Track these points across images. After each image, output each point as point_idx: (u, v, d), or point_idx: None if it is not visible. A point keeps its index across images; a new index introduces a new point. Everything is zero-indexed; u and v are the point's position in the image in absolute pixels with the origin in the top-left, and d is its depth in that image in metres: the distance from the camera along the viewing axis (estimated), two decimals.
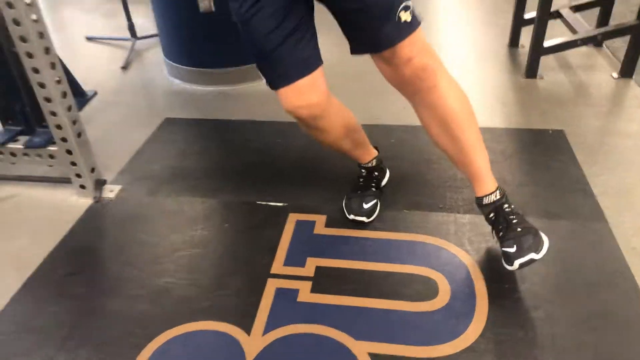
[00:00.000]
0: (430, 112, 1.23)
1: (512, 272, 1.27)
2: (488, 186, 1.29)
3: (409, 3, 1.10)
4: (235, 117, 2.10)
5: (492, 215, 1.29)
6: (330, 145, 1.40)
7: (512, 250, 1.20)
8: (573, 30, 2.27)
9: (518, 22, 2.49)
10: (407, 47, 1.12)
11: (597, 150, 1.76)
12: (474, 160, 1.27)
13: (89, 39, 2.94)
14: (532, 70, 2.24)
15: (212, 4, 2.14)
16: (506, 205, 1.28)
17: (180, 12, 2.25)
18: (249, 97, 2.25)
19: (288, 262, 1.38)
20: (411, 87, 1.20)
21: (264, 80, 1.22)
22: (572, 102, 2.07)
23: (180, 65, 2.39)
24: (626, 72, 2.19)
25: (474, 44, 2.66)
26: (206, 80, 2.34)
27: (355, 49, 1.18)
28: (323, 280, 1.31)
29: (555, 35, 2.26)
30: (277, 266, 1.37)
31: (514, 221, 1.24)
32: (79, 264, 1.42)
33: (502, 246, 1.23)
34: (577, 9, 2.42)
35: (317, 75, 1.17)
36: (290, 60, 1.14)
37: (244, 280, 1.33)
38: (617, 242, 1.37)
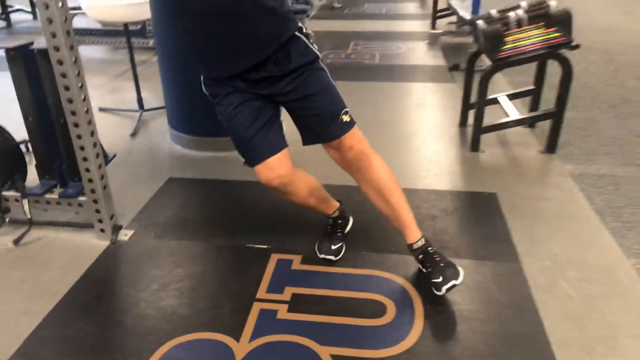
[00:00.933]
0: (368, 184, 1.68)
1: (442, 296, 1.65)
2: (415, 235, 1.70)
3: (347, 109, 1.59)
4: (228, 178, 2.51)
5: (420, 256, 1.69)
6: (299, 204, 1.81)
7: (439, 280, 1.60)
8: (506, 114, 2.79)
9: (466, 106, 3.02)
10: (348, 139, 1.59)
11: (521, 209, 2.20)
12: (401, 216, 1.69)
13: (102, 109, 3.38)
14: (475, 145, 2.72)
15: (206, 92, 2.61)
16: (430, 248, 1.69)
17: (185, 89, 2.72)
18: (239, 161, 2.67)
19: (270, 290, 1.74)
20: (353, 166, 1.65)
21: (244, 160, 1.66)
22: (505, 171, 2.54)
23: (182, 134, 2.84)
24: (550, 148, 2.69)
25: (433, 123, 3.17)
26: (204, 146, 2.78)
27: (308, 141, 1.65)
28: (297, 303, 1.67)
29: (497, 117, 2.77)
30: (261, 293, 1.72)
31: (437, 259, 1.65)
32: (100, 291, 1.76)
33: (431, 278, 1.63)
34: (512, 96, 2.96)
35: (283, 155, 1.61)
36: (263, 145, 1.59)
37: (234, 303, 1.68)
38: (526, 279, 1.77)
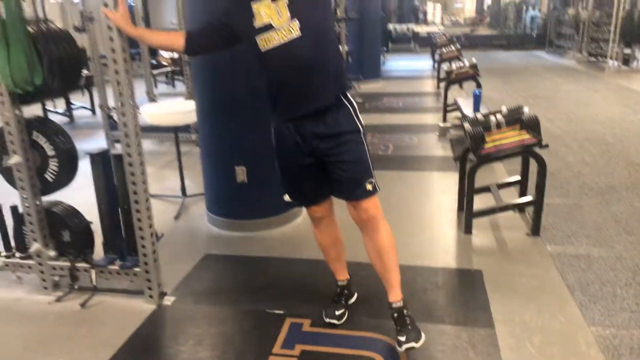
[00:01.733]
0: (371, 242, 2.10)
1: (424, 354, 2.01)
2: (396, 296, 2.09)
3: (373, 180, 2.03)
4: (254, 255, 2.97)
5: (395, 314, 2.07)
6: (323, 245, 2.27)
7: (402, 339, 1.99)
8: (498, 201, 3.22)
9: (462, 194, 3.46)
10: (366, 203, 2.03)
11: (501, 284, 2.56)
12: (390, 277, 2.10)
13: (151, 196, 3.95)
14: (468, 228, 3.13)
15: (245, 177, 3.17)
16: (405, 310, 2.07)
17: (221, 180, 3.27)
18: (266, 240, 3.15)
19: (283, 347, 2.13)
20: (364, 225, 2.08)
21: (286, 199, 2.19)
22: (492, 251, 2.92)
23: (218, 217, 3.35)
24: (534, 231, 3.07)
25: (435, 208, 3.60)
26: (236, 228, 3.28)
27: (336, 195, 2.12)
28: (306, 356, 2.06)
29: (491, 202, 3.20)
30: (276, 349, 2.12)
31: (407, 321, 2.04)
32: (148, 345, 2.19)
33: (397, 335, 2.01)
34: (500, 186, 3.40)
35: (328, 202, 2.16)
36: (309, 197, 2.16)
37: (254, 356, 2.08)
38: (498, 342, 2.11)
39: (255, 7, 1.89)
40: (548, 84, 9.21)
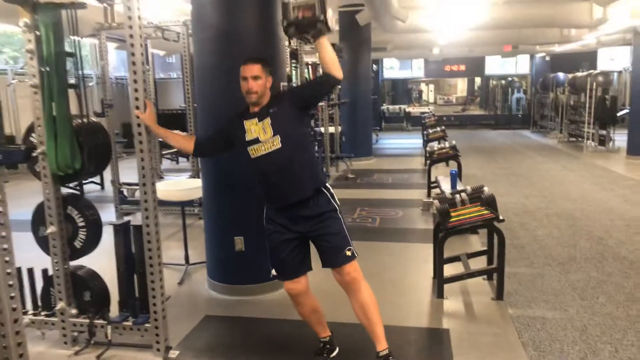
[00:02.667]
0: (356, 301, 2.51)
1: None
2: (382, 345, 2.48)
3: (351, 247, 2.49)
4: (250, 316, 3.34)
5: None
6: (303, 315, 2.64)
7: None
8: (466, 268, 3.63)
9: (437, 262, 3.87)
10: (347, 268, 2.48)
11: (465, 340, 2.93)
12: (375, 330, 2.49)
13: None
14: (440, 293, 3.53)
15: (242, 246, 3.60)
16: (391, 357, 2.45)
17: (222, 249, 3.70)
18: (260, 303, 3.53)
19: None
20: (348, 287, 2.51)
21: (272, 273, 2.59)
22: (461, 313, 3.30)
23: (217, 282, 3.75)
24: (499, 296, 3.47)
25: (413, 276, 4.01)
26: (233, 292, 3.66)
27: (324, 265, 2.54)
28: None
29: (461, 272, 3.61)
30: None
31: None
32: None
33: None
34: (469, 255, 3.83)
35: (304, 277, 2.55)
36: (293, 269, 2.54)
37: None
38: None
39: (246, 125, 2.51)
40: (529, 162, 9.85)
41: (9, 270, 1.88)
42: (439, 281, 3.53)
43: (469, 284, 3.71)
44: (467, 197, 3.54)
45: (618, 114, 11.72)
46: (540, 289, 3.69)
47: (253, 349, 2.92)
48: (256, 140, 2.47)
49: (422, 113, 16.40)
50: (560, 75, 14.78)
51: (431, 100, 33.55)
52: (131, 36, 2.57)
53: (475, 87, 31.89)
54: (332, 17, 2.34)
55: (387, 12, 7.89)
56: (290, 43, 6.40)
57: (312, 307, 2.65)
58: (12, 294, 1.94)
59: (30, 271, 3.05)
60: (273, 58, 3.62)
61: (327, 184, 2.60)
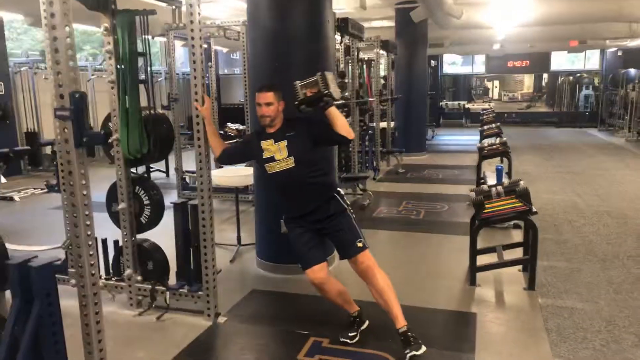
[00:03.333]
0: (372, 286, 2.77)
1: None
2: (400, 323, 2.70)
3: (362, 239, 2.77)
4: (292, 292, 3.66)
5: (402, 337, 2.68)
6: (331, 300, 2.91)
7: (407, 351, 2.60)
8: (500, 258, 3.76)
9: (474, 253, 4.01)
10: (360, 257, 2.75)
11: (490, 323, 3.09)
12: (392, 310, 2.73)
13: None
14: (472, 280, 3.68)
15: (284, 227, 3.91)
16: (409, 332, 2.67)
17: (270, 233, 4.04)
18: (301, 281, 3.82)
19: (306, 355, 2.77)
20: (363, 274, 2.78)
21: (300, 266, 2.85)
22: (490, 300, 3.45)
23: (265, 261, 4.10)
24: (530, 286, 3.58)
25: (451, 264, 4.17)
26: (279, 270, 4.00)
27: (341, 257, 2.83)
28: None
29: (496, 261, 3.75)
30: (300, 356, 2.76)
31: (411, 340, 2.64)
32: (205, 349, 2.90)
33: (404, 350, 2.61)
34: (505, 247, 3.94)
35: (322, 265, 2.81)
36: (312, 257, 2.81)
37: (283, 358, 2.73)
38: None
39: (263, 144, 2.86)
40: (589, 161, 9.56)
41: (90, 242, 2.27)
42: (472, 269, 3.69)
43: (503, 275, 3.83)
44: (503, 189, 3.66)
45: None
46: (575, 282, 3.75)
47: (293, 320, 3.23)
48: (272, 159, 2.82)
49: (483, 109, 16.16)
50: (632, 71, 14.09)
51: (495, 96, 32.70)
52: (192, 38, 2.94)
53: (543, 84, 30.75)
54: (335, 89, 2.64)
55: (441, 8, 7.95)
56: (342, 40, 6.66)
57: (337, 291, 2.92)
58: (92, 261, 2.32)
59: (104, 242, 3.52)
60: (320, 55, 3.92)
61: (338, 189, 2.91)
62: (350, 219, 2.86)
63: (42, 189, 7.39)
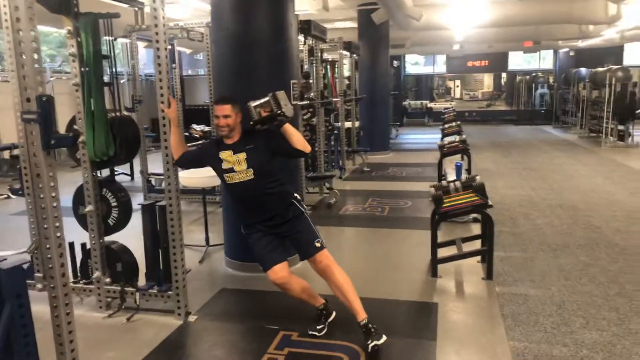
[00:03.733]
0: (332, 283, 2.90)
1: (373, 355, 2.71)
2: (361, 316, 2.83)
3: (319, 239, 2.88)
4: (260, 289, 3.74)
5: (363, 329, 2.80)
6: (296, 297, 3.02)
7: (369, 342, 2.72)
8: (459, 250, 3.95)
9: (434, 246, 4.19)
10: (319, 257, 2.87)
11: (450, 311, 3.26)
12: (353, 304, 2.85)
13: None
14: (434, 272, 3.85)
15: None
16: (370, 324, 2.80)
17: (237, 233, 4.10)
18: (268, 279, 3.92)
19: (276, 349, 2.86)
20: (322, 272, 2.90)
21: (261, 268, 2.95)
22: (451, 290, 3.63)
23: (233, 260, 4.16)
24: (488, 276, 3.77)
25: (414, 258, 4.34)
26: (246, 269, 4.06)
27: (301, 257, 2.95)
28: (291, 356, 2.78)
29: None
30: (270, 350, 2.85)
31: (372, 331, 2.76)
32: (175, 347, 2.95)
33: (365, 340, 2.74)
34: (464, 240, 4.14)
35: (283, 265, 2.91)
36: (271, 259, 2.90)
37: (253, 353, 2.82)
38: (435, 349, 2.80)
39: (221, 155, 2.93)
40: (544, 157, 9.99)
41: (60, 243, 2.29)
42: (433, 261, 3.86)
43: (463, 266, 4.02)
44: (461, 185, 3.85)
45: (638, 110, 11.69)
46: (529, 270, 3.98)
47: (262, 316, 3.31)
48: (231, 170, 2.91)
49: (445, 109, 16.58)
50: (582, 70, 14.74)
51: (457, 95, 33.51)
52: (157, 41, 2.98)
53: (502, 83, 31.72)
54: (287, 107, 2.79)
55: (400, 10, 8.17)
56: (305, 41, 6.77)
57: (300, 288, 3.02)
58: (62, 262, 2.34)
59: (71, 245, 3.51)
60: (283, 57, 4.02)
61: (295, 195, 3.01)
62: (307, 221, 2.97)
63: (0, 195, 7.20)
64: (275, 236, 2.95)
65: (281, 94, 2.89)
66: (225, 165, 2.91)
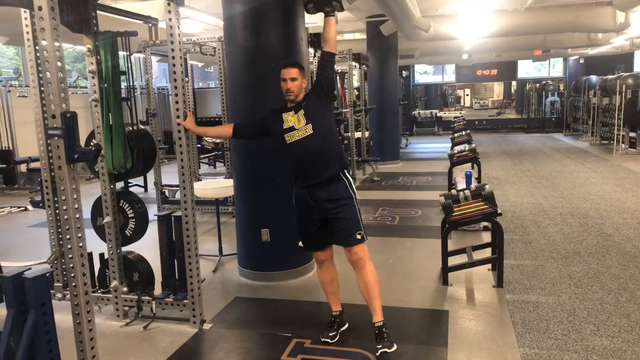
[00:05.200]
0: (360, 277, 2.95)
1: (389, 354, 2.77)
2: (378, 318, 2.89)
3: (362, 232, 2.93)
4: (273, 298, 3.81)
5: (377, 331, 2.86)
6: (323, 282, 3.11)
7: (379, 346, 2.77)
8: (469, 258, 3.99)
9: (445, 254, 4.23)
10: (356, 248, 2.92)
11: (461, 319, 3.30)
12: (374, 304, 2.91)
13: None
14: (445, 280, 3.89)
15: (268, 237, 4.07)
16: (384, 328, 2.86)
17: (251, 240, 4.19)
18: (282, 287, 3.99)
19: (289, 355, 2.92)
20: (354, 264, 2.95)
21: (300, 244, 3.06)
22: (462, 298, 3.66)
23: (246, 269, 4.24)
24: (499, 284, 3.81)
25: (425, 266, 4.38)
26: (259, 278, 4.14)
27: (336, 243, 3.00)
28: None
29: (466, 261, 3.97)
30: (284, 357, 2.91)
31: (385, 335, 2.82)
32: (193, 354, 3.02)
33: (376, 345, 2.79)
34: (475, 248, 4.18)
35: (329, 249, 3.02)
36: (318, 243, 3.01)
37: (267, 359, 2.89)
38: (447, 357, 2.84)
39: (284, 116, 3.01)
40: (555, 165, 9.98)
41: (82, 253, 2.39)
42: (444, 270, 3.90)
43: (474, 274, 4.06)
44: (470, 193, 3.90)
45: None
46: (540, 278, 4.00)
47: (275, 324, 3.38)
48: (292, 128, 2.97)
49: (454, 117, 16.60)
50: (593, 77, 14.72)
51: (467, 104, 33.50)
52: (173, 57, 3.09)
53: (512, 91, 31.66)
54: None
55: (409, 22, 8.27)
56: (315, 54, 6.88)
57: (332, 276, 3.12)
58: (84, 272, 2.43)
59: (90, 255, 3.60)
60: None
61: (349, 170, 3.08)
62: (355, 209, 2.98)
63: (19, 207, 7.37)
64: (322, 219, 2.98)
65: None
66: (286, 125, 2.97)
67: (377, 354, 2.77)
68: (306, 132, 2.93)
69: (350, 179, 3.05)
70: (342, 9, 3.05)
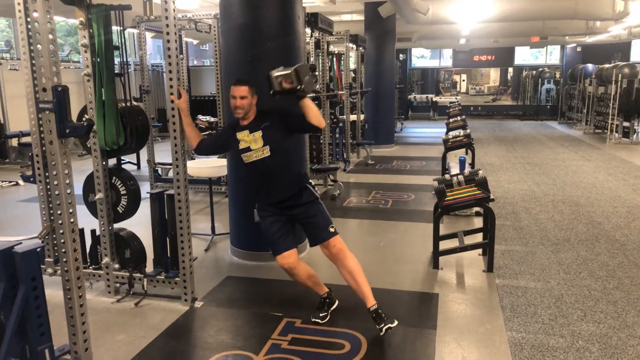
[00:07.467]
0: (343, 269, 2.96)
1: (376, 341, 2.79)
2: (371, 302, 2.91)
3: (333, 225, 2.96)
4: (265, 277, 3.82)
5: (373, 315, 2.88)
6: (301, 283, 3.10)
7: (381, 325, 2.80)
8: (460, 243, 4.01)
9: (436, 239, 4.25)
10: (333, 240, 2.93)
11: (451, 302, 3.33)
12: (364, 290, 2.93)
13: None
14: (436, 264, 3.92)
15: (257, 216, 4.05)
16: (379, 310, 2.88)
17: (243, 222, 4.19)
18: (274, 267, 3.99)
19: (279, 334, 2.95)
20: (335, 258, 2.96)
21: (271, 252, 3.03)
22: (452, 281, 3.70)
23: (238, 249, 4.25)
24: (489, 268, 3.84)
25: (416, 250, 4.41)
26: (251, 258, 4.15)
27: (311, 243, 3.01)
28: (294, 342, 2.86)
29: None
30: (274, 335, 2.94)
31: (383, 315, 2.84)
32: (182, 331, 3.04)
33: (377, 325, 2.82)
34: (466, 233, 4.20)
35: (292, 251, 2.99)
36: (282, 245, 2.98)
37: (258, 339, 2.90)
38: (434, 340, 2.88)
39: (238, 135, 3.02)
40: (549, 153, 10.02)
41: (73, 229, 2.37)
42: (435, 253, 3.93)
43: (465, 259, 4.09)
44: (464, 178, 3.90)
45: None
46: (530, 264, 4.04)
47: (267, 303, 3.40)
48: (248, 149, 2.98)
49: (450, 103, 16.55)
50: (589, 66, 14.71)
51: (463, 90, 33.44)
52: (167, 33, 3.04)
53: (508, 77, 31.59)
54: (308, 82, 2.85)
55: (408, 4, 8.18)
56: (312, 34, 6.81)
57: (307, 274, 3.11)
58: (75, 247, 2.42)
59: (82, 232, 3.59)
60: (290, 49, 4.07)
61: (309, 181, 3.10)
62: (321, 206, 3.05)
63: (10, 182, 7.31)
64: (287, 221, 3.03)
65: (303, 68, 2.91)
66: (242, 145, 2.98)
67: (382, 332, 2.81)
68: (263, 154, 2.96)
69: (312, 184, 3.12)
70: (307, 93, 2.92)
